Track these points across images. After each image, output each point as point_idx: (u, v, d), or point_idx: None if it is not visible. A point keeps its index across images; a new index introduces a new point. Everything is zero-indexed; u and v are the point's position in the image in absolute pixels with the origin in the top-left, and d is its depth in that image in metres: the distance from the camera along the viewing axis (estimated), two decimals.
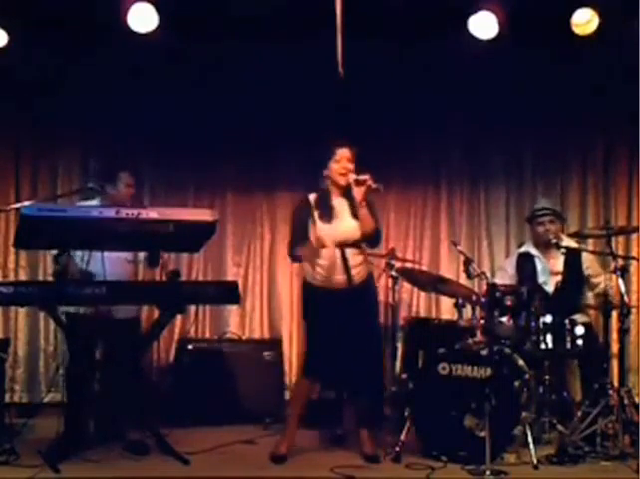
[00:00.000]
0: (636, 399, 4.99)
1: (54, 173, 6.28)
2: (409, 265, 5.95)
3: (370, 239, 4.68)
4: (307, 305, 4.75)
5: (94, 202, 5.04)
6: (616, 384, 4.78)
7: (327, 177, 4.66)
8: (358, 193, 4.53)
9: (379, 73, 5.99)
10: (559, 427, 4.69)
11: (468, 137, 6.41)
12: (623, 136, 6.26)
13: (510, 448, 4.51)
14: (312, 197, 4.70)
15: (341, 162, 4.60)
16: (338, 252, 4.57)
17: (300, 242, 4.61)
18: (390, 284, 5.80)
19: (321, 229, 4.58)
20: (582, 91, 6.10)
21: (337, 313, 4.57)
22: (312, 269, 4.63)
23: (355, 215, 4.60)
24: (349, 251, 4.59)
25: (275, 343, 6.08)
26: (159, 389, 5.85)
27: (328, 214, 4.60)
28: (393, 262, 5.69)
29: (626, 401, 4.67)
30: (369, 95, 6.02)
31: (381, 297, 6.08)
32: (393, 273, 5.69)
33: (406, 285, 6.10)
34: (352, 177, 4.56)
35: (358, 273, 4.63)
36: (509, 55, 5.86)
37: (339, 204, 4.65)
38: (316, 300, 4.66)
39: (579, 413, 4.71)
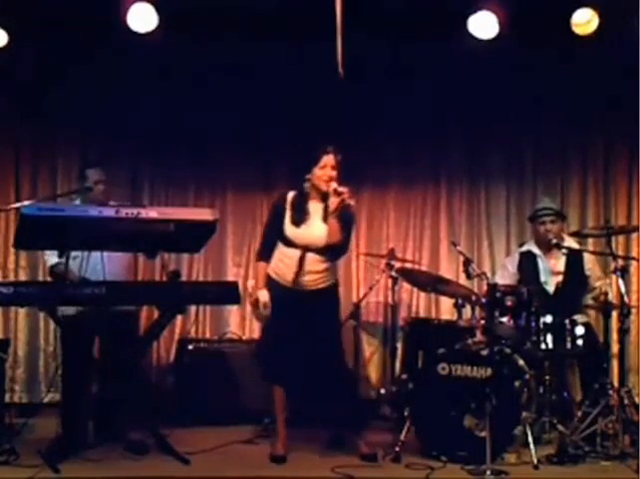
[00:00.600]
0: (636, 399, 5.00)
1: (54, 173, 6.27)
2: (409, 265, 5.95)
3: (332, 251, 4.66)
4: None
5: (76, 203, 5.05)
6: (616, 384, 4.78)
7: (309, 180, 4.68)
8: (333, 203, 4.56)
9: (379, 73, 6.00)
10: (559, 427, 4.68)
11: (468, 137, 6.40)
12: (623, 136, 6.26)
13: (510, 448, 4.51)
14: (290, 196, 4.73)
15: (325, 169, 4.61)
16: (299, 255, 4.60)
17: (268, 244, 4.72)
18: (390, 284, 5.81)
19: (289, 231, 4.63)
20: (582, 91, 6.10)
21: (286, 312, 4.58)
22: (275, 264, 4.68)
23: (326, 221, 4.63)
24: (310, 256, 4.60)
25: None
26: (159, 389, 5.84)
27: (300, 217, 4.64)
28: (393, 262, 5.70)
29: (626, 401, 4.67)
30: (369, 95, 6.02)
31: (381, 298, 6.10)
32: (393, 273, 5.69)
33: (406, 285, 6.10)
34: (333, 185, 4.57)
35: (315, 280, 4.63)
36: (509, 55, 5.86)
37: (314, 209, 4.68)
38: (271, 294, 4.66)
39: (579, 413, 4.71)
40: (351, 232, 4.79)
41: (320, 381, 4.58)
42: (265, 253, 4.74)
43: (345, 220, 4.65)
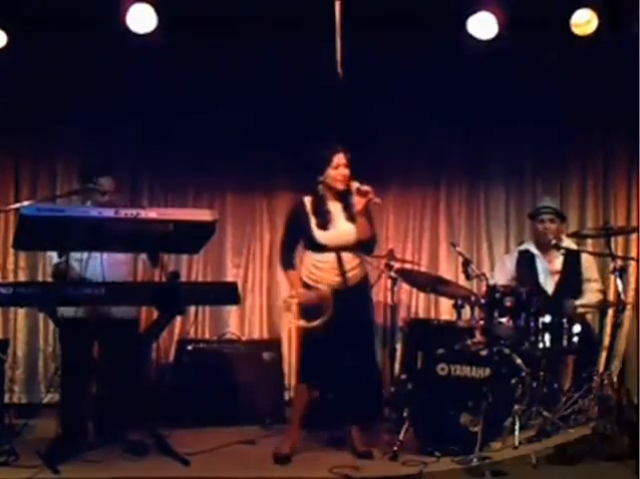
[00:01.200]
0: (635, 400, 5.00)
1: (53, 173, 6.28)
2: (408, 266, 5.95)
3: (365, 246, 4.77)
4: (302, 306, 4.74)
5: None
6: (601, 369, 4.88)
7: (322, 182, 4.71)
8: (359, 203, 4.63)
9: (378, 73, 5.99)
10: (544, 413, 4.68)
11: (467, 137, 6.40)
12: (623, 136, 6.26)
13: (500, 438, 4.51)
14: (308, 202, 4.75)
15: (338, 169, 4.66)
16: (335, 256, 4.64)
17: (292, 252, 4.76)
18: (389, 285, 5.80)
19: (319, 236, 4.66)
20: (582, 91, 6.09)
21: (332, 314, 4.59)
22: (309, 271, 4.71)
23: (350, 218, 4.69)
24: (345, 255, 4.66)
25: (274, 344, 6.07)
26: (158, 390, 5.84)
27: (325, 220, 4.67)
28: (392, 263, 5.70)
29: (625, 402, 4.67)
30: (368, 95, 6.01)
31: (380, 298, 6.09)
32: (392, 274, 5.69)
33: (405, 286, 6.10)
34: (355, 185, 4.64)
35: (354, 275, 4.71)
36: (509, 55, 5.86)
37: (334, 208, 4.72)
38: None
39: (564, 399, 4.75)
40: (374, 222, 4.86)
41: (352, 374, 4.64)
42: (291, 261, 4.78)
43: (369, 215, 4.73)
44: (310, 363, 4.72)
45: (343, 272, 4.65)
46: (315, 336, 4.62)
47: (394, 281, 5.75)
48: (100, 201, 4.82)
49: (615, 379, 5.06)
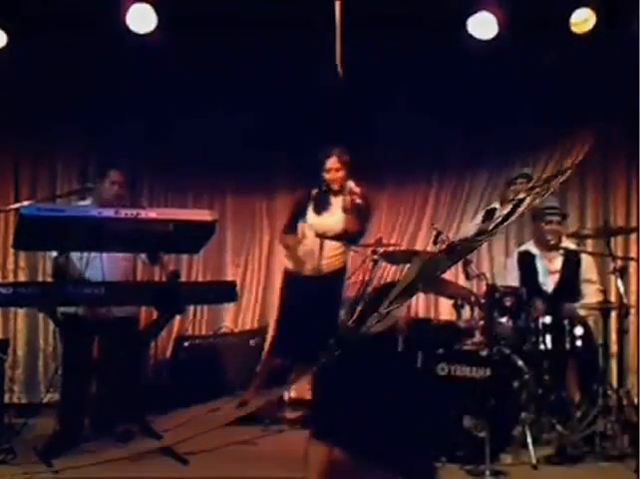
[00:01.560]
0: (635, 400, 4.99)
1: (53, 173, 6.29)
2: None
3: (350, 238, 5.26)
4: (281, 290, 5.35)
5: (86, 202, 5.04)
6: (615, 385, 4.78)
7: (324, 180, 5.20)
8: (348, 201, 5.17)
9: (378, 73, 5.99)
10: (558, 428, 4.66)
11: (467, 137, 6.39)
12: (622, 136, 6.25)
13: (508, 448, 4.48)
14: (313, 192, 5.25)
15: (330, 172, 5.19)
16: (317, 242, 5.10)
17: (292, 227, 5.31)
18: (370, 266, 5.74)
19: (310, 219, 5.20)
20: (582, 91, 6.09)
21: (305, 299, 5.06)
22: (291, 255, 5.22)
23: (345, 212, 5.17)
24: (328, 242, 5.13)
25: (261, 331, 6.14)
26: (155, 385, 5.84)
27: (322, 207, 5.21)
28: (378, 249, 5.67)
29: (625, 401, 4.66)
30: (368, 95, 6.01)
31: (359, 277, 6.04)
32: (375, 257, 5.65)
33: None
34: (349, 184, 5.17)
35: (327, 264, 5.15)
36: (509, 55, 5.86)
37: (334, 202, 5.26)
38: (288, 285, 5.27)
39: (578, 413, 4.70)
40: (366, 222, 5.36)
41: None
42: (291, 228, 5.29)
43: (361, 213, 5.22)
44: (280, 342, 5.33)
45: (319, 259, 5.09)
46: (288, 318, 5.25)
47: (375, 263, 5.71)
48: (109, 192, 4.87)
49: (636, 401, 5.02)
